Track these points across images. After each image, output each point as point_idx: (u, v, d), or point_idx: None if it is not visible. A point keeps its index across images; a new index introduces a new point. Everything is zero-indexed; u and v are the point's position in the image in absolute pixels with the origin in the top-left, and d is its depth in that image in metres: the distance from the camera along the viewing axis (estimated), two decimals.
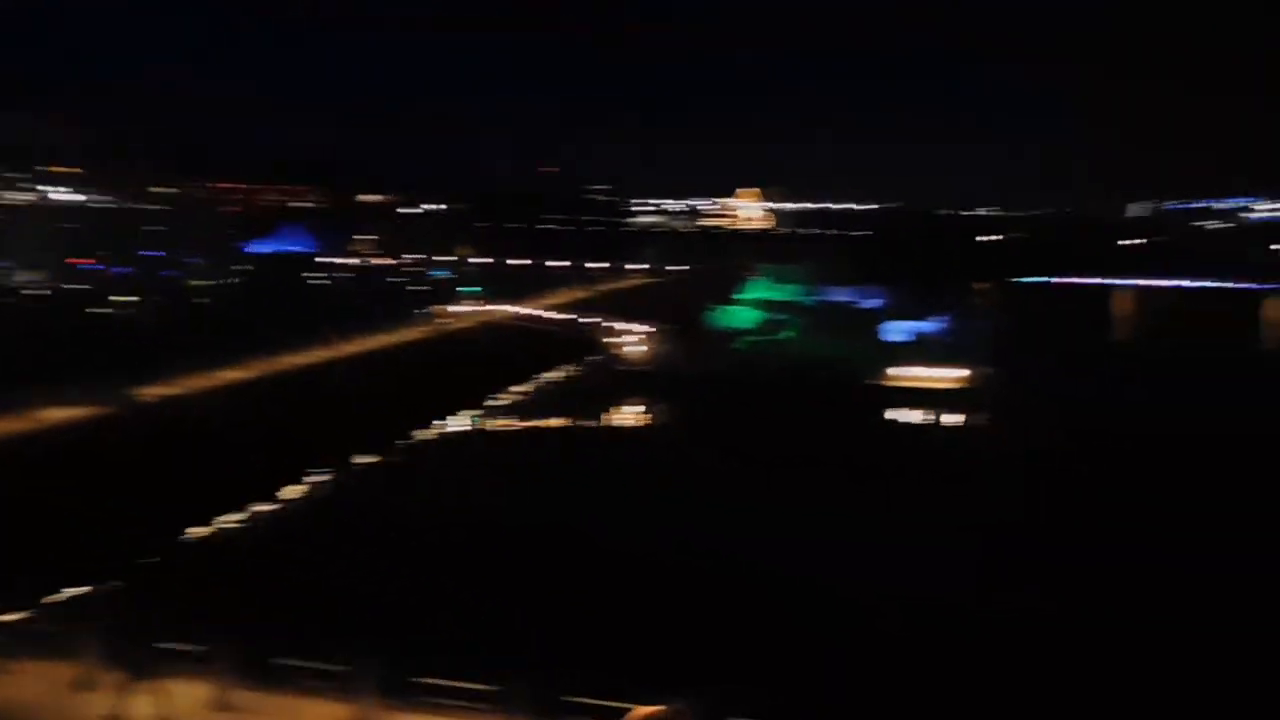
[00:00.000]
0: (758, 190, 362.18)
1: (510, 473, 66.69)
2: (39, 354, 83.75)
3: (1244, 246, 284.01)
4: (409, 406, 77.79)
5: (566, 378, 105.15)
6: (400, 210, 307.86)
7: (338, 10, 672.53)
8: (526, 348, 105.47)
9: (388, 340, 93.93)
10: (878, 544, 50.98)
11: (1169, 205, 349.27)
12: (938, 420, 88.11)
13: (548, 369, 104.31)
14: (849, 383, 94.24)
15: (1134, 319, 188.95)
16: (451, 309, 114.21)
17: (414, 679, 25.60)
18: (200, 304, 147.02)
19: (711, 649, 37.93)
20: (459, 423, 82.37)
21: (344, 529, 53.13)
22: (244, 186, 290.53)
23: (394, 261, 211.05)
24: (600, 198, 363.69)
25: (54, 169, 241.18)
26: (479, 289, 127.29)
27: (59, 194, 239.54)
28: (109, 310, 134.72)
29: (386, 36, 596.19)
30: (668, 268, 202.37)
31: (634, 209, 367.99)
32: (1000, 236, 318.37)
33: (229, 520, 54.12)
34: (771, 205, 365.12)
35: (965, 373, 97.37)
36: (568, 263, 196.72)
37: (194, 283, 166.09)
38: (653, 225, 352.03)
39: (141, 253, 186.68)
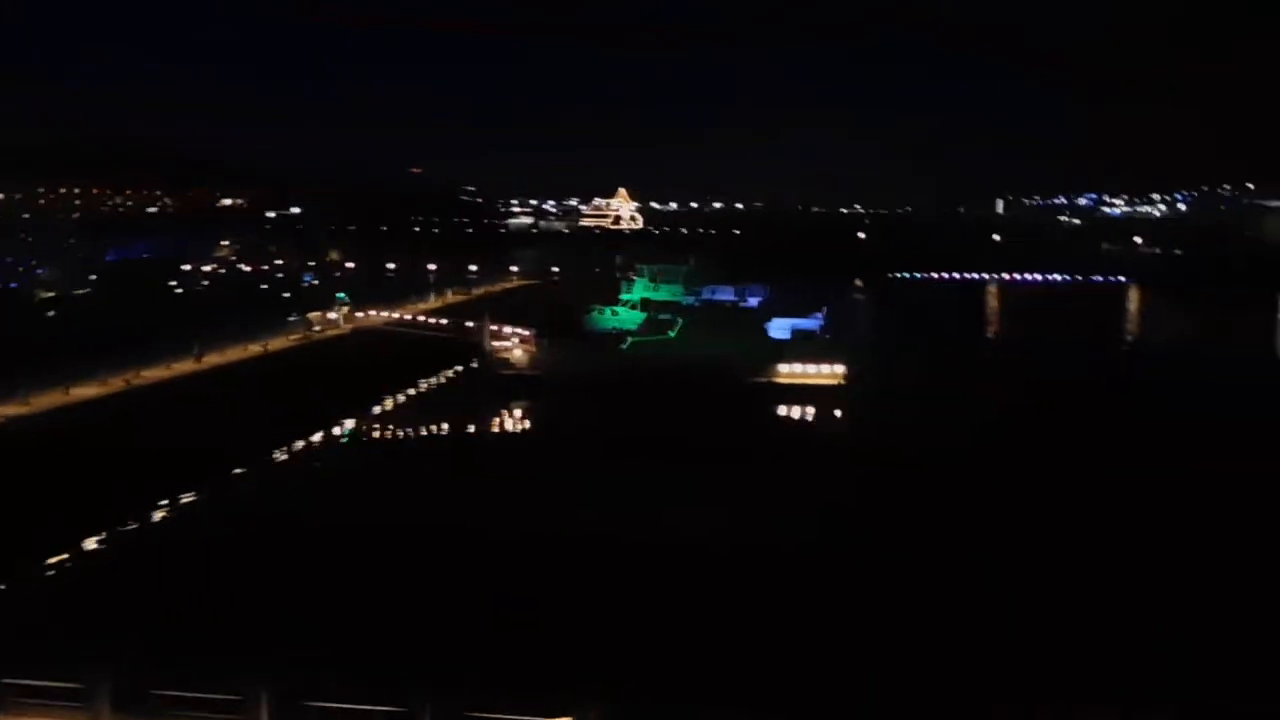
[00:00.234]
0: (629, 191, 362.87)
1: (390, 481, 64.71)
2: None
3: (1099, 241, 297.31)
4: (281, 418, 74.17)
5: (447, 383, 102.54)
6: (266, 213, 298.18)
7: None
8: (404, 354, 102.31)
9: (257, 350, 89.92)
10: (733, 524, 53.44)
11: (1031, 202, 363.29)
12: (816, 416, 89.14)
13: (427, 375, 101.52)
14: (735, 381, 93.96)
15: (1003, 313, 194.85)
16: (323, 315, 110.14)
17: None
18: (51, 316, 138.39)
19: (592, 630, 39.97)
20: (335, 433, 79.18)
21: (211, 547, 50.61)
22: (94, 189, 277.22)
23: (261, 267, 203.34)
24: (472, 199, 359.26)
25: None
26: (351, 294, 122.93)
27: None
28: None
29: (246, 30, 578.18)
30: (546, 270, 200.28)
31: (508, 210, 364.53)
32: (868, 235, 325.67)
33: (87, 545, 50.79)
34: (646, 206, 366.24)
35: (844, 369, 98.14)
36: (441, 266, 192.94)
37: (42, 294, 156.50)
38: (528, 227, 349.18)
39: None
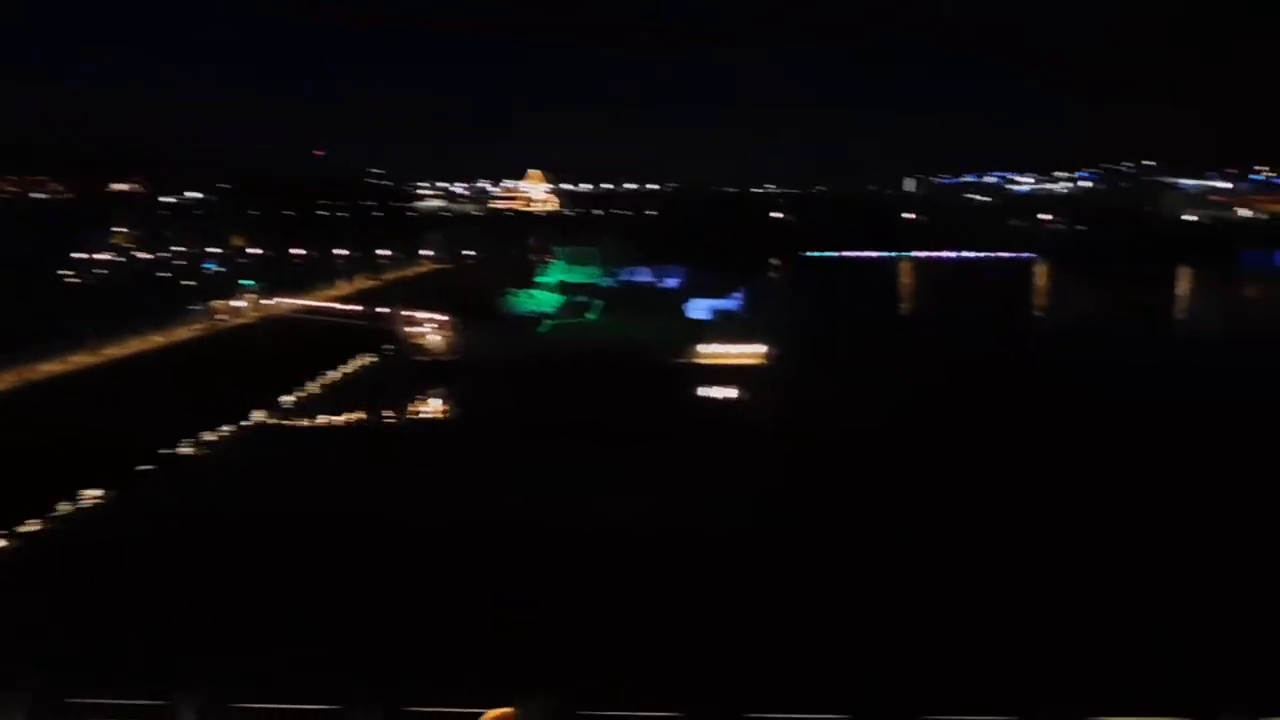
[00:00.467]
0: (542, 173, 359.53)
1: (307, 471, 62.92)
2: None
3: (1007, 218, 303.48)
4: (190, 409, 71.23)
5: (361, 371, 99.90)
6: (161, 199, 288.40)
7: None
8: (316, 342, 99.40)
9: (160, 341, 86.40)
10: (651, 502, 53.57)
11: (939, 180, 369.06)
12: (738, 396, 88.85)
13: (340, 363, 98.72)
14: (656, 363, 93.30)
15: (916, 290, 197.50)
16: (229, 304, 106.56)
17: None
18: None
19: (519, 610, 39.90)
20: (248, 423, 76.32)
21: (125, 543, 48.77)
22: None
23: (159, 255, 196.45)
24: (379, 182, 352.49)
25: None
26: (257, 282, 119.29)
27: None
28: None
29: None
30: (458, 253, 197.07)
31: (417, 193, 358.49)
32: (784, 214, 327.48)
33: None
34: (557, 187, 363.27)
35: (764, 349, 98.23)
36: (350, 251, 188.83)
37: None
38: (439, 210, 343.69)
39: None
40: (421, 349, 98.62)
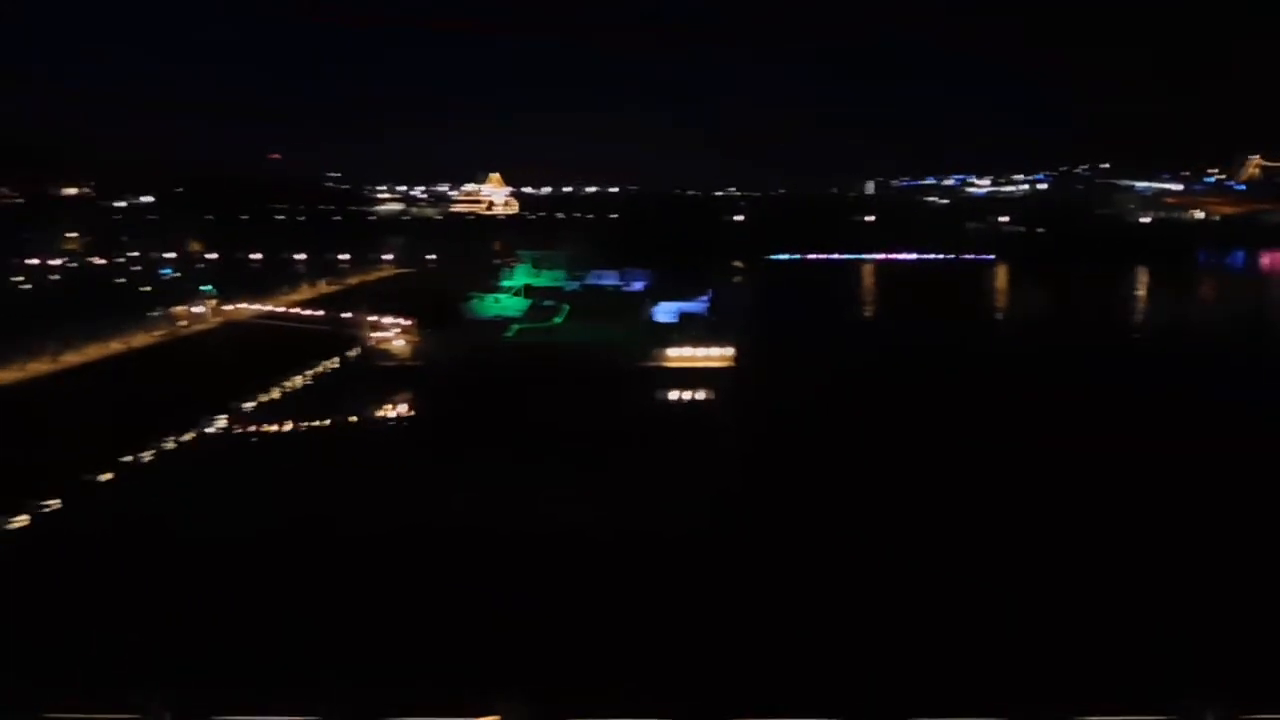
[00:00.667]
0: (501, 176, 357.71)
1: (269, 478, 61.58)
2: None
3: (964, 220, 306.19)
4: (152, 415, 69.77)
5: (324, 376, 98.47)
6: (112, 204, 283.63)
7: None
8: (278, 347, 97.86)
9: (119, 347, 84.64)
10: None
11: (899, 183, 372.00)
12: (703, 399, 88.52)
13: (303, 369, 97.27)
14: (623, 366, 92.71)
15: (879, 291, 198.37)
16: (187, 309, 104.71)
17: None
18: None
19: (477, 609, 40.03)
20: (210, 429, 74.85)
21: (80, 553, 47.75)
22: None
23: (114, 260, 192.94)
24: (337, 186, 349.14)
25: None
26: (216, 287, 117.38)
27: None
28: None
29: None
30: (420, 257, 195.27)
31: (376, 196, 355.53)
32: (745, 217, 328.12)
33: None
34: (518, 190, 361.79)
35: (729, 351, 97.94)
36: (309, 255, 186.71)
37: None
38: (398, 214, 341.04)
39: None
40: (386, 354, 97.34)
